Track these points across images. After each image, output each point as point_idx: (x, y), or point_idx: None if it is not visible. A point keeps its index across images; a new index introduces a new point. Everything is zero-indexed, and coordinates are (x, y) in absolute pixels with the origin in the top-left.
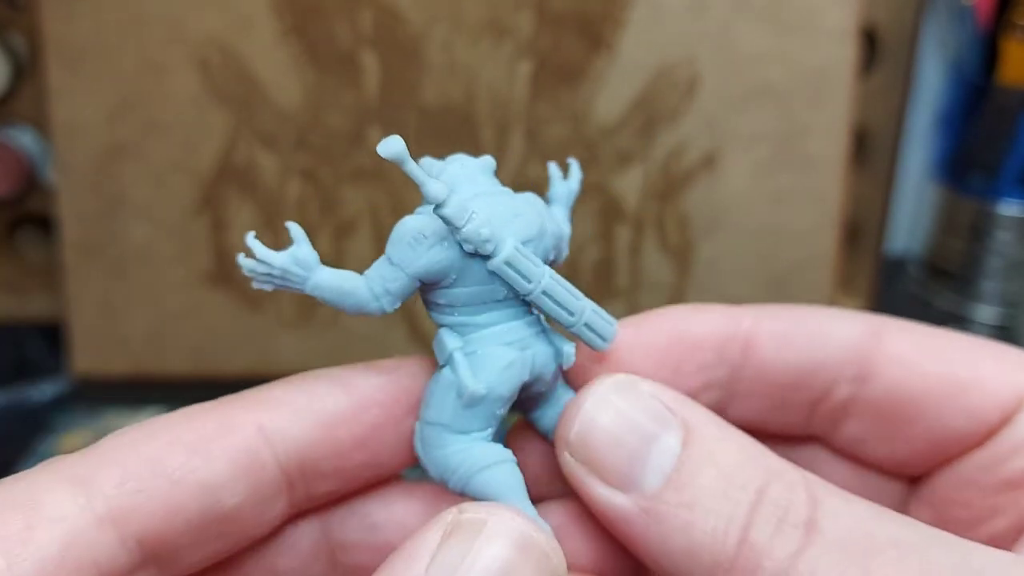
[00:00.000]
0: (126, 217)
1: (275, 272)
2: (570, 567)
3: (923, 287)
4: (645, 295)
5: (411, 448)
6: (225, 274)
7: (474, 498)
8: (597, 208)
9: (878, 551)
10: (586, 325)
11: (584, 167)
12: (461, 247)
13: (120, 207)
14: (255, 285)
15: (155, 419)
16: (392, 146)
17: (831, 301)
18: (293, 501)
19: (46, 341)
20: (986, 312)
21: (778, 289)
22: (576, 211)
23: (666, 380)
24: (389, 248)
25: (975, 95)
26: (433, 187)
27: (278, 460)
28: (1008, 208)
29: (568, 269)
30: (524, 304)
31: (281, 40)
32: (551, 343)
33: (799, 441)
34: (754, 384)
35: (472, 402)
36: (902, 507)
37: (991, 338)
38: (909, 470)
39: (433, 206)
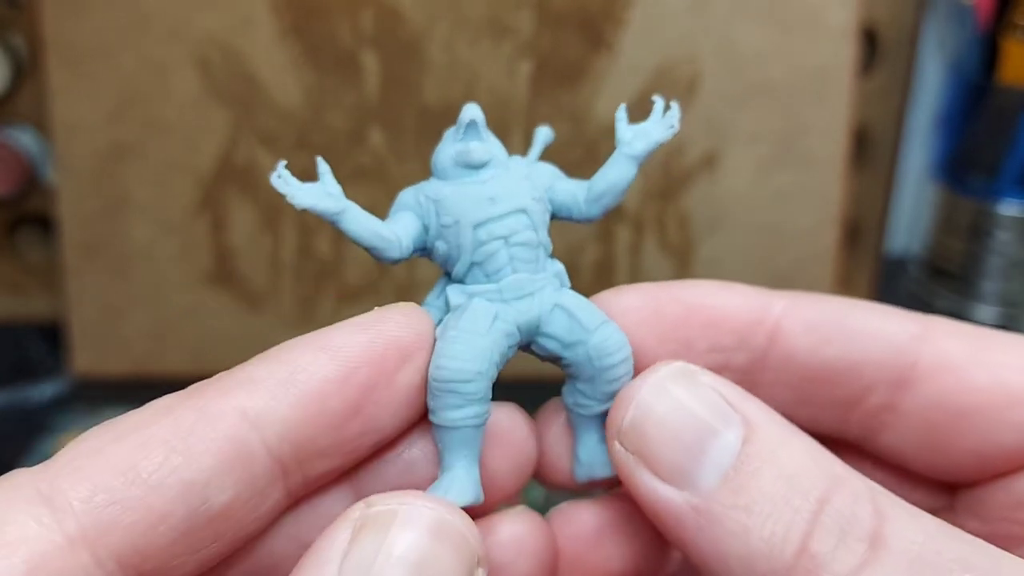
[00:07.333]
0: (126, 217)
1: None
2: (611, 569)
3: (923, 287)
4: None
5: (410, 405)
6: (225, 274)
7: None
8: None
9: (945, 570)
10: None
11: (584, 167)
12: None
13: (120, 207)
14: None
15: (122, 418)
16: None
17: None
18: (290, 489)
19: (46, 341)
20: (986, 312)
21: (778, 288)
22: None
23: (671, 356)
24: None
25: (975, 95)
26: None
27: (267, 445)
28: (1008, 208)
29: (568, 269)
30: None
31: (281, 40)
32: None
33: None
34: (779, 375)
35: None
36: (944, 514)
37: None
38: (952, 481)
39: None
